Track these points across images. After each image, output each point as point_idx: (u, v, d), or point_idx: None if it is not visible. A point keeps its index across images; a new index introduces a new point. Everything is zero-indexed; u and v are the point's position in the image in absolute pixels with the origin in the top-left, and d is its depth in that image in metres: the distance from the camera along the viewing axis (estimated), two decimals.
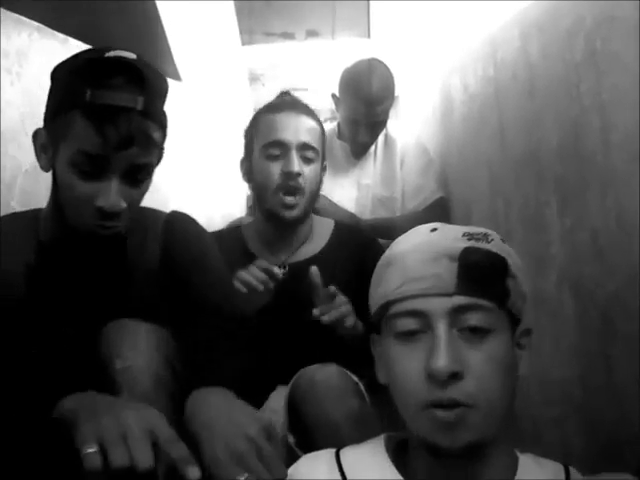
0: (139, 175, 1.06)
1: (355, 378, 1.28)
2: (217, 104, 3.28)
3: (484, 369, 0.75)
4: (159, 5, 2.25)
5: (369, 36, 4.79)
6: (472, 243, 0.79)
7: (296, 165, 1.51)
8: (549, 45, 1.47)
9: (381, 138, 2.33)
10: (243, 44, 4.35)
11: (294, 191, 1.52)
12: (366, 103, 2.15)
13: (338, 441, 0.94)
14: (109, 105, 1.00)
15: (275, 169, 1.53)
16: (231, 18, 3.89)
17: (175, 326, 1.09)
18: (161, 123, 1.09)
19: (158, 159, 1.14)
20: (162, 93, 1.10)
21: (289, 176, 1.51)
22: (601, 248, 1.25)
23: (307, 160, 1.54)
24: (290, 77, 4.70)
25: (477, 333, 0.76)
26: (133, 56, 1.06)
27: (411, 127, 2.81)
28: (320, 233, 1.63)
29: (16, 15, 1.58)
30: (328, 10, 4.66)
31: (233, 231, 1.69)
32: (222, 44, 3.65)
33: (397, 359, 0.79)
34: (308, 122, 1.57)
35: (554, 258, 1.44)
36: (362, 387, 1.27)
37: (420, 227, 0.85)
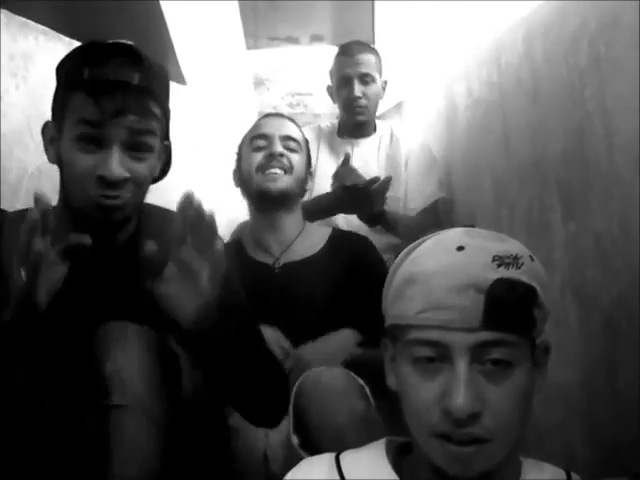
0: (140, 146, 1.08)
1: (361, 381, 1.28)
2: (222, 108, 3.29)
3: (504, 406, 0.73)
4: (164, 9, 2.25)
5: (374, 41, 4.78)
6: (502, 272, 0.74)
7: (279, 147, 1.63)
8: (553, 50, 1.47)
9: (386, 139, 2.35)
10: (248, 48, 4.35)
11: (278, 168, 1.62)
12: (351, 54, 2.29)
13: (342, 444, 0.94)
14: (107, 80, 1.05)
15: (259, 155, 1.64)
16: (236, 22, 3.90)
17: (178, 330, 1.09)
18: (161, 103, 1.12)
19: (165, 149, 1.17)
20: (161, 76, 1.13)
21: (272, 157, 1.61)
22: (604, 253, 1.25)
23: (291, 150, 1.65)
24: (294, 81, 4.71)
25: (499, 365, 0.74)
26: (131, 43, 1.11)
27: (416, 131, 2.81)
28: (317, 235, 1.67)
29: (22, 18, 1.59)
30: (333, 15, 4.67)
31: (233, 240, 1.75)
32: (227, 48, 3.66)
33: (412, 385, 0.77)
34: (291, 124, 1.71)
35: (558, 263, 1.44)
36: (367, 390, 1.27)
37: (445, 241, 0.80)
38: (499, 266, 0.75)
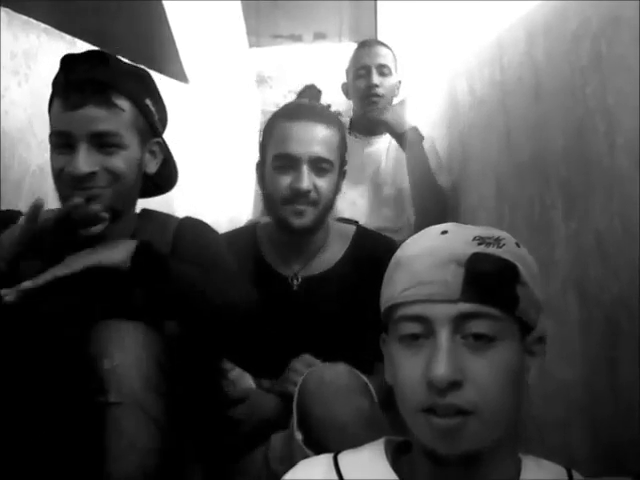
0: (106, 141, 1.13)
1: (364, 378, 1.28)
2: (224, 106, 3.29)
3: (486, 377, 0.74)
4: (167, 7, 2.26)
5: (376, 39, 4.79)
6: (482, 248, 0.77)
7: (306, 181, 1.44)
8: (555, 48, 1.47)
9: (394, 140, 2.37)
10: (251, 46, 4.36)
11: (304, 203, 1.47)
12: (370, 46, 2.41)
13: (346, 441, 0.94)
14: (74, 80, 1.12)
15: (284, 182, 1.46)
16: (239, 20, 3.90)
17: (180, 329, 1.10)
18: (133, 99, 1.17)
19: (158, 146, 1.23)
20: (133, 74, 1.20)
21: (298, 192, 1.45)
22: (606, 251, 1.25)
23: (321, 171, 1.48)
24: (297, 79, 4.71)
25: (481, 340, 0.75)
26: (104, 51, 1.20)
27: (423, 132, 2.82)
28: (338, 243, 1.58)
29: (24, 17, 1.59)
30: (336, 13, 4.68)
31: (248, 233, 1.63)
32: (230, 46, 3.67)
33: (400, 363, 0.78)
34: (324, 132, 1.49)
35: (559, 261, 1.44)
36: (371, 387, 1.27)
37: (431, 229, 0.83)
38: (479, 244, 0.78)
